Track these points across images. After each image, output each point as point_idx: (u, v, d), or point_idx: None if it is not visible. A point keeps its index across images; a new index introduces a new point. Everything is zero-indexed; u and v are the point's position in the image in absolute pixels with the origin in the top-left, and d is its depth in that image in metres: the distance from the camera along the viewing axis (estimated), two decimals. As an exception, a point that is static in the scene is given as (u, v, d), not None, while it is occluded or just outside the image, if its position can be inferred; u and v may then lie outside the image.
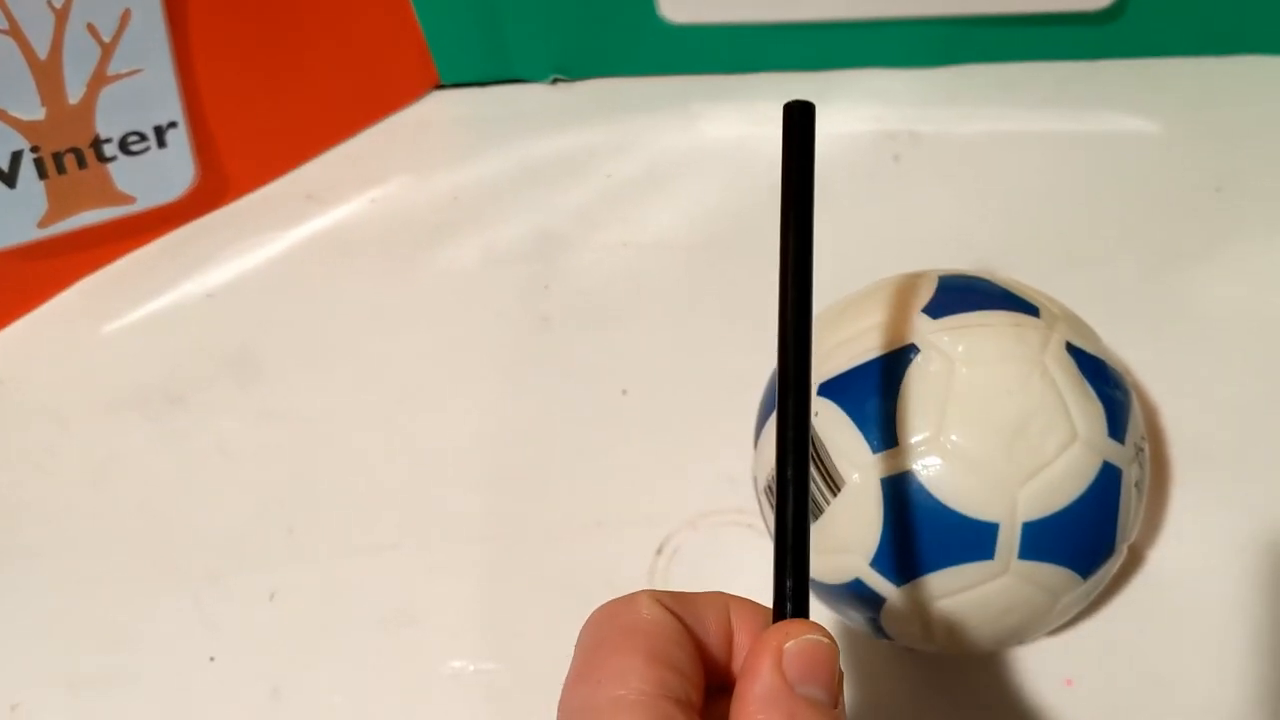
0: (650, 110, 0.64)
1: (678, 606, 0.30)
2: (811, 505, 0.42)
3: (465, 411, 0.56)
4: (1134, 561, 0.48)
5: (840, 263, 0.58)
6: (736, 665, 0.30)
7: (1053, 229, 0.58)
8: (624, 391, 0.55)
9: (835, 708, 0.29)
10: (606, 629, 0.30)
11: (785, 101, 0.34)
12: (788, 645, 0.28)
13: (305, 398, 0.57)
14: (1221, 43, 0.61)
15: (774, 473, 0.43)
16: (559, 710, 0.29)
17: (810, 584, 0.44)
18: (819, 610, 0.48)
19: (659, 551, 0.51)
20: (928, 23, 0.60)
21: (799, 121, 0.33)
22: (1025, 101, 0.62)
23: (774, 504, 0.44)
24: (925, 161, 0.61)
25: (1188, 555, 0.49)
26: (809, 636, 0.29)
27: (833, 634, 0.29)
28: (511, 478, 0.54)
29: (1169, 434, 0.52)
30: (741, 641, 0.31)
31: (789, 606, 0.30)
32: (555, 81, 0.65)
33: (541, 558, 0.51)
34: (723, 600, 0.31)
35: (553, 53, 0.64)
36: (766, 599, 0.48)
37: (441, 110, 0.66)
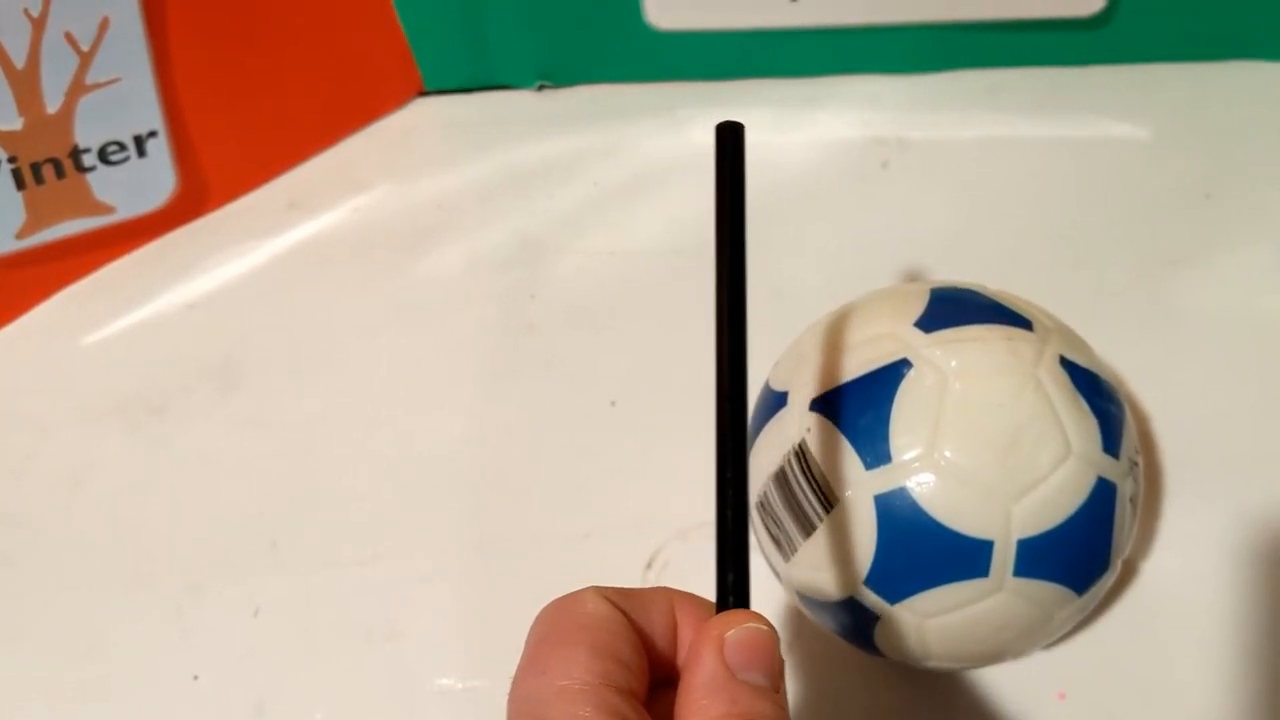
0: (637, 117, 0.63)
1: (623, 601, 0.31)
2: (804, 522, 0.41)
3: (451, 422, 0.55)
4: (1127, 572, 0.48)
5: (829, 270, 0.58)
6: (681, 658, 0.31)
7: (1043, 235, 0.58)
8: (612, 402, 0.55)
9: (777, 692, 0.30)
10: (553, 623, 0.31)
11: (716, 123, 0.35)
12: (729, 634, 0.30)
13: (288, 408, 0.56)
14: (1212, 48, 0.61)
15: (765, 488, 0.43)
16: (509, 701, 0.30)
17: (803, 600, 0.44)
18: (811, 626, 0.47)
19: (649, 565, 0.50)
20: (917, 28, 0.60)
21: (729, 142, 0.35)
22: (1015, 107, 0.62)
23: (761, 519, 0.43)
24: (915, 168, 0.61)
25: (1181, 565, 0.49)
26: (749, 625, 0.30)
27: (775, 627, 0.31)
28: (499, 489, 0.53)
29: (1161, 442, 0.51)
30: (685, 635, 0.32)
31: (730, 598, 0.31)
32: (541, 88, 0.65)
33: (530, 571, 0.51)
34: (667, 595, 0.32)
35: (538, 59, 0.63)
36: (763, 610, 0.48)
37: (425, 117, 0.65)
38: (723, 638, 0.30)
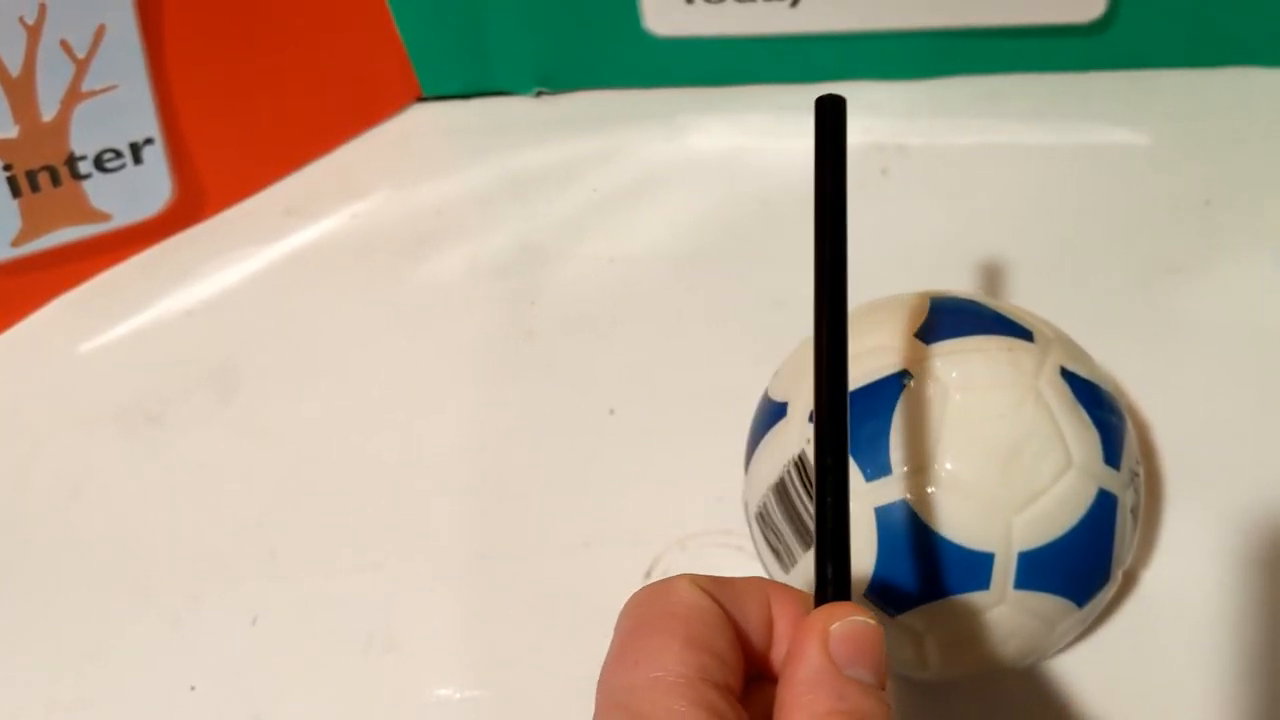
0: (636, 122, 0.63)
1: (717, 592, 0.30)
2: (805, 534, 0.41)
3: (449, 430, 0.55)
4: (1128, 582, 0.48)
5: (829, 279, 0.58)
6: (776, 653, 0.31)
7: (1042, 241, 0.58)
8: (611, 410, 0.55)
9: (882, 690, 0.29)
10: (645, 612, 0.30)
11: (817, 96, 0.34)
12: (834, 627, 0.29)
13: (286, 415, 0.56)
14: (1211, 55, 0.61)
15: (764, 499, 0.43)
16: (598, 691, 0.29)
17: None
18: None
19: (648, 574, 0.50)
20: (916, 35, 0.60)
21: (830, 117, 0.34)
22: (1015, 113, 0.62)
23: (762, 530, 0.43)
24: (914, 174, 0.60)
25: (1182, 574, 0.48)
26: (856, 619, 0.29)
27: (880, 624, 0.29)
28: (497, 498, 0.53)
29: (1161, 451, 0.51)
30: (782, 629, 0.31)
31: (830, 591, 0.30)
32: (539, 93, 0.65)
33: (528, 580, 0.51)
34: (762, 587, 0.31)
35: (536, 64, 0.63)
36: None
37: (423, 123, 0.65)
38: (828, 631, 0.28)
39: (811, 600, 0.30)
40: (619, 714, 0.28)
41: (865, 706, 0.28)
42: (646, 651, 0.29)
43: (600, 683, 0.29)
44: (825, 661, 0.28)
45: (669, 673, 0.28)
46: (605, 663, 0.30)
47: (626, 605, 0.30)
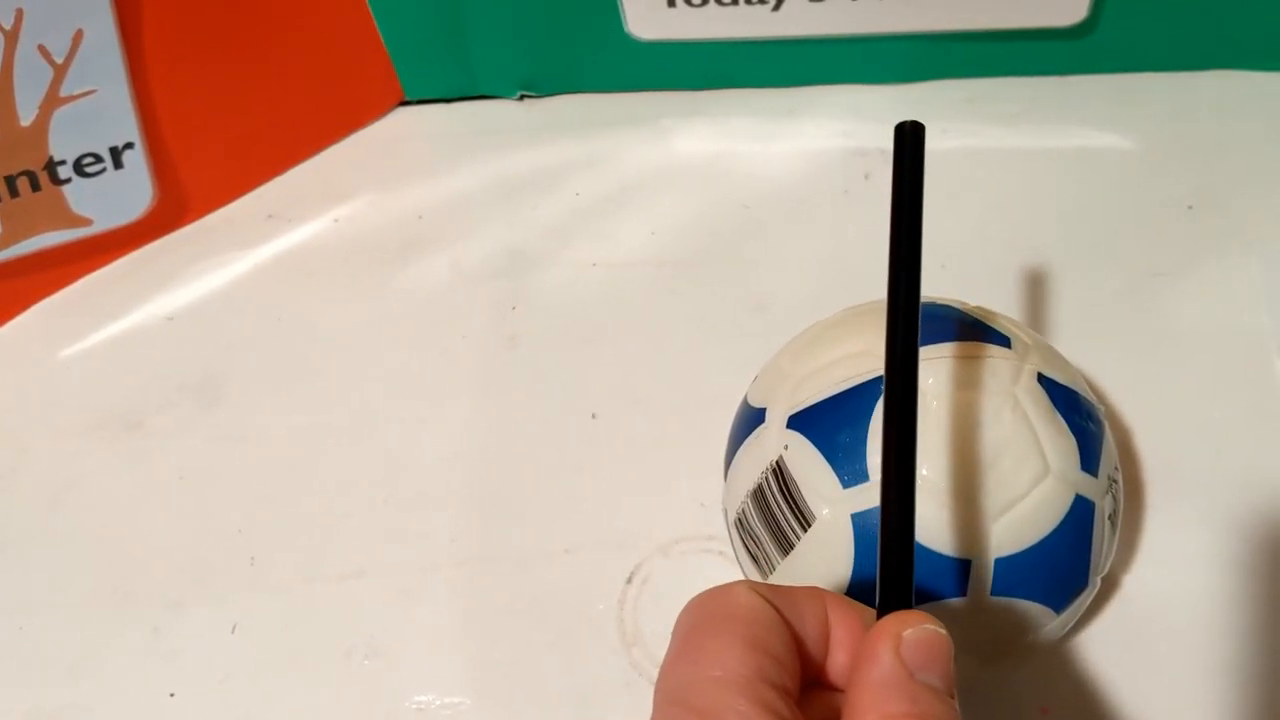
0: (620, 126, 0.63)
1: (775, 597, 0.31)
2: (782, 540, 0.41)
3: (431, 435, 0.55)
4: (1109, 586, 0.48)
5: (811, 283, 0.58)
6: (833, 661, 0.31)
7: (1025, 246, 0.58)
8: (593, 415, 0.54)
9: (952, 698, 0.29)
10: (704, 613, 0.30)
11: (897, 122, 0.34)
12: (906, 633, 0.29)
13: (268, 422, 0.56)
14: (1195, 58, 0.61)
15: (743, 505, 0.43)
16: (656, 691, 0.30)
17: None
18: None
19: (629, 580, 0.50)
20: (899, 38, 0.59)
21: (910, 144, 0.34)
22: (997, 117, 0.61)
23: (740, 536, 0.43)
24: (897, 178, 0.60)
25: (1163, 578, 0.48)
26: (927, 626, 0.29)
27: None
28: (478, 504, 0.53)
29: (1142, 456, 0.51)
30: (839, 637, 0.31)
31: (894, 598, 0.30)
32: (523, 97, 0.64)
33: (509, 586, 0.51)
34: (819, 596, 0.32)
35: (520, 68, 0.63)
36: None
37: (406, 127, 0.65)
38: (900, 636, 0.29)
39: (868, 612, 0.31)
40: (678, 710, 0.29)
41: (937, 710, 0.28)
42: (706, 650, 0.29)
43: (659, 680, 0.30)
44: (898, 665, 0.29)
45: (729, 672, 0.28)
46: (664, 661, 0.30)
47: (686, 607, 0.31)
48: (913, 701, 0.28)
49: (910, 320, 0.32)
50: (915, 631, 0.29)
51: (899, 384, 0.32)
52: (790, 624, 0.30)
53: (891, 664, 0.29)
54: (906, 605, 0.30)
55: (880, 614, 0.30)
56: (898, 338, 0.32)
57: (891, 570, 0.31)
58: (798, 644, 0.30)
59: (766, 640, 0.29)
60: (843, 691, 0.31)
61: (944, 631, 0.29)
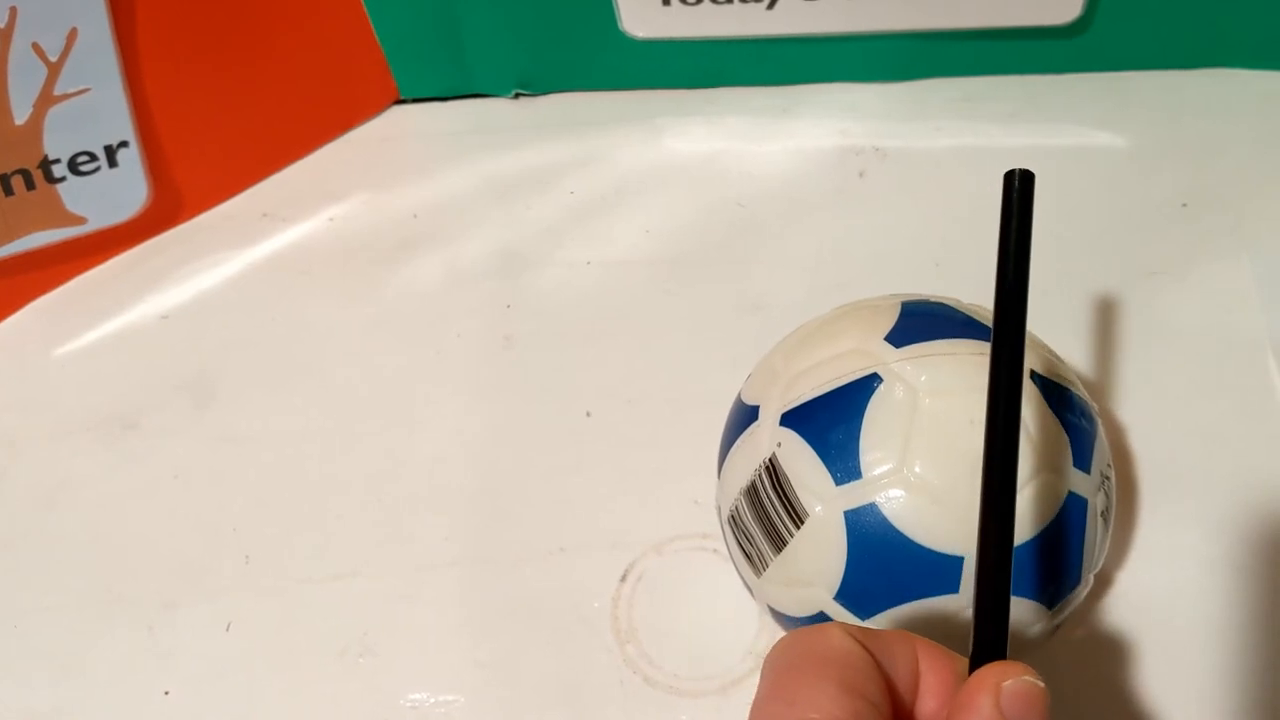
0: (615, 125, 0.63)
1: (868, 641, 0.31)
2: (775, 537, 0.41)
3: (425, 435, 0.55)
4: (1103, 583, 0.48)
5: (806, 280, 0.58)
6: (922, 706, 0.31)
7: (1020, 245, 0.58)
8: (588, 414, 0.55)
9: None
10: (797, 653, 0.30)
11: (1005, 170, 0.34)
12: (1006, 684, 0.29)
13: (262, 421, 0.56)
14: (1189, 56, 0.61)
15: (736, 502, 0.43)
16: None
17: (775, 615, 0.43)
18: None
19: (623, 578, 0.50)
20: (893, 37, 0.60)
21: (1020, 193, 0.34)
22: (992, 116, 0.62)
23: (733, 533, 0.43)
24: (891, 177, 0.60)
25: (1157, 576, 0.48)
26: (1027, 678, 0.29)
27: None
28: (473, 502, 0.53)
29: (1137, 454, 0.51)
30: (930, 684, 0.31)
31: (990, 649, 0.31)
32: (517, 96, 0.64)
33: (503, 584, 0.51)
34: (910, 641, 0.32)
35: (515, 66, 0.63)
36: (737, 623, 0.48)
37: (402, 125, 0.65)
38: (1000, 687, 0.29)
39: (959, 659, 0.31)
40: None
41: None
42: (801, 693, 0.29)
43: (751, 718, 0.30)
44: (997, 714, 0.29)
45: (824, 714, 0.29)
46: (755, 701, 0.30)
47: (776, 646, 0.31)
48: None
49: (1014, 378, 0.32)
50: (1015, 683, 0.29)
51: (1000, 434, 0.32)
52: (883, 667, 0.30)
53: (990, 713, 0.29)
54: (1002, 654, 0.30)
55: (974, 661, 0.30)
56: (1000, 396, 0.32)
57: (986, 618, 0.31)
58: (890, 688, 0.31)
59: (862, 685, 0.29)
60: None
61: (1042, 684, 0.29)
